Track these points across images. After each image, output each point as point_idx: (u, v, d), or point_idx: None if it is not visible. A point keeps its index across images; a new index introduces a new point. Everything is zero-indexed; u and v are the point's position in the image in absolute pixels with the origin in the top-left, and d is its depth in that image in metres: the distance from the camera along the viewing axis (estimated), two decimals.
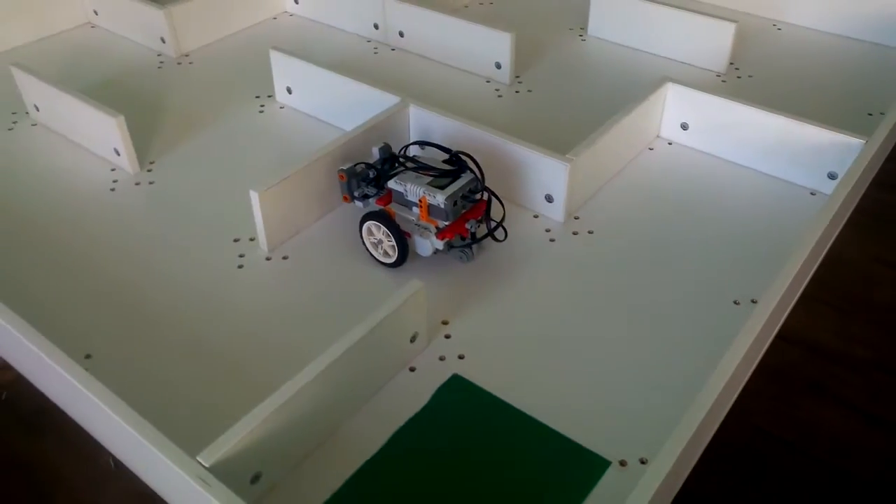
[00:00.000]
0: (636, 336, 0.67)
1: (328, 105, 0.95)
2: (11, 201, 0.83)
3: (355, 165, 0.74)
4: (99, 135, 0.88)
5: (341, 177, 0.74)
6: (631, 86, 1.04)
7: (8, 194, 0.84)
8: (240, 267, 0.74)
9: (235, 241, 0.77)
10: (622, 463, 0.56)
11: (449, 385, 0.62)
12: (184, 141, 0.93)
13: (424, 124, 0.85)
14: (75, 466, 0.60)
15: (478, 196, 0.71)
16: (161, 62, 1.11)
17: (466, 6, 1.28)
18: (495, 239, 0.73)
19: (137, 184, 0.86)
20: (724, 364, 0.57)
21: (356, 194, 0.74)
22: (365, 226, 0.73)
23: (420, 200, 0.69)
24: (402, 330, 0.62)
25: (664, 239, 0.78)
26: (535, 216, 0.80)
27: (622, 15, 1.12)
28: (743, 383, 0.64)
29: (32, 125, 0.96)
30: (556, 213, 0.79)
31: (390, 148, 0.75)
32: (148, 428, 0.51)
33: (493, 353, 0.65)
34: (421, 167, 0.71)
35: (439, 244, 0.70)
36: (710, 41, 1.06)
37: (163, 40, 1.11)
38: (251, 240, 0.77)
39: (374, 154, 0.74)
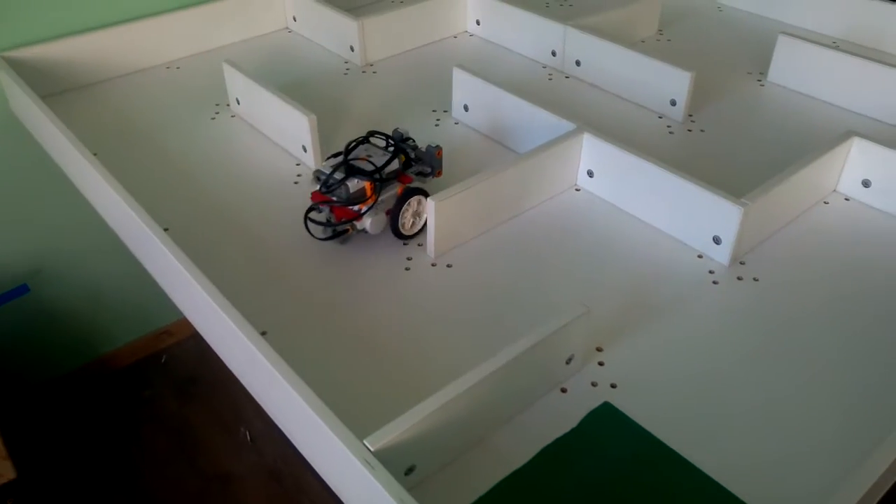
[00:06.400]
0: (801, 392, 0.65)
1: (502, 125, 0.98)
2: (208, 183, 0.91)
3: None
4: (290, 131, 0.95)
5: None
6: (809, 136, 1.01)
7: (206, 177, 0.93)
8: (406, 269, 0.78)
9: (405, 244, 0.81)
10: None
11: (599, 412, 0.63)
12: None
13: (597, 153, 0.87)
14: (216, 434, 0.64)
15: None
16: (347, 69, 1.18)
17: (643, 41, 1.28)
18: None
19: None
20: (892, 441, 0.54)
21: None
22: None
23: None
24: (560, 350, 0.63)
25: (835, 296, 0.75)
26: (699, 256, 0.80)
27: (807, 63, 1.08)
28: None
29: (231, 116, 1.05)
30: (721, 255, 0.78)
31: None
32: (320, 406, 0.55)
33: (647, 387, 0.65)
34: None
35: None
36: None
37: (352, 48, 1.18)
38: (419, 245, 0.81)
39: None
